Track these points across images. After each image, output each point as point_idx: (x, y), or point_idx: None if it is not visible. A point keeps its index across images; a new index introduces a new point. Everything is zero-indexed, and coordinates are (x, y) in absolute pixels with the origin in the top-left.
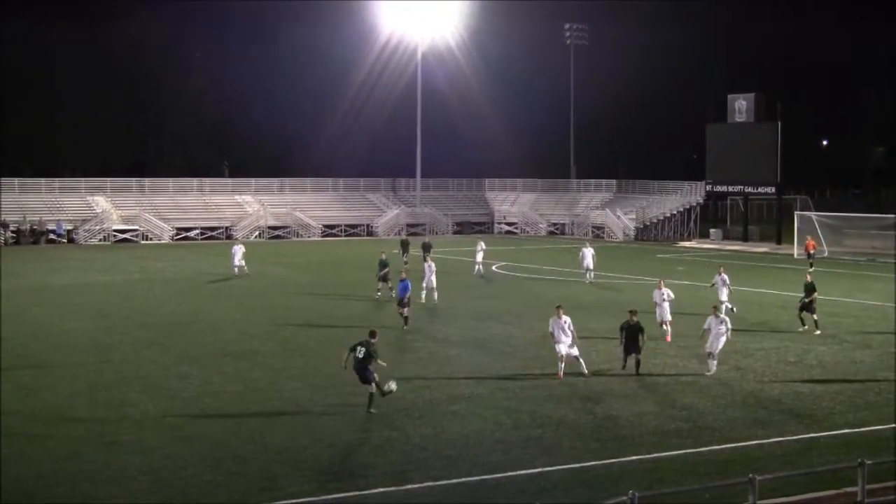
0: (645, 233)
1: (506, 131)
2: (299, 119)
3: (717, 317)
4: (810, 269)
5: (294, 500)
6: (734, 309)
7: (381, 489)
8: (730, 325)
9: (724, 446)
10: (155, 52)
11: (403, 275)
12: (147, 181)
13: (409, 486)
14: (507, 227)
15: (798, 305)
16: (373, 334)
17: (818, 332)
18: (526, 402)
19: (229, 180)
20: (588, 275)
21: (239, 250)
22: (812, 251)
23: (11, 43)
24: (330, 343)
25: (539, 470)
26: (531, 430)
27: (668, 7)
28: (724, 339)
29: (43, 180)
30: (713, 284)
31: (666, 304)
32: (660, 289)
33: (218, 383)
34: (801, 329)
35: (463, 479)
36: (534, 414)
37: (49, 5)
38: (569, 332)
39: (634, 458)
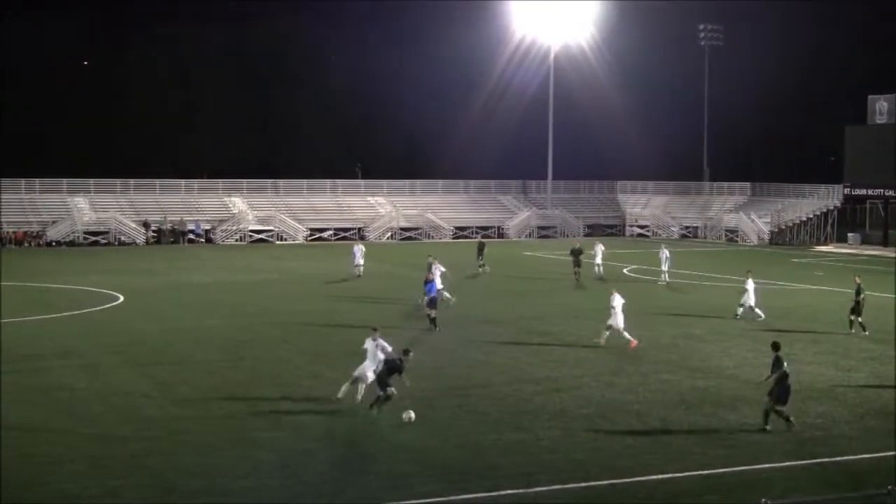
0: (780, 237)
1: (638, 133)
2: (431, 121)
3: None
4: None
5: (423, 500)
6: (738, 313)
7: (509, 491)
8: None
9: (860, 456)
10: (290, 52)
11: (429, 276)
12: (281, 182)
13: (537, 489)
14: (639, 230)
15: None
16: (406, 352)
17: (865, 332)
18: (656, 407)
19: (362, 182)
20: (663, 276)
21: (359, 250)
22: None
23: (152, 45)
24: (461, 343)
25: (668, 476)
26: (661, 436)
27: (805, 6)
28: None
29: (182, 181)
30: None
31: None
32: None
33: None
34: (851, 331)
35: (591, 483)
36: (664, 419)
37: (188, 6)
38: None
39: (766, 465)
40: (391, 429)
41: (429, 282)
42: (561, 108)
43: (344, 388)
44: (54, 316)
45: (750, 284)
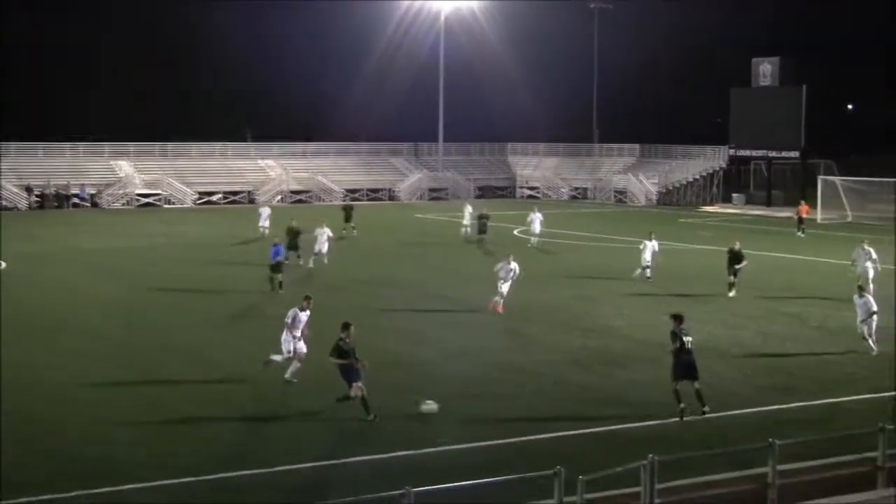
0: (667, 197)
1: (529, 95)
2: (322, 84)
3: (862, 296)
4: (801, 235)
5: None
6: (647, 273)
7: (403, 452)
8: (873, 307)
9: (745, 411)
10: (178, 14)
11: (277, 239)
12: (170, 145)
13: (438, 449)
14: (529, 192)
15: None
16: (345, 327)
17: (732, 294)
18: (549, 367)
19: (252, 145)
20: (532, 239)
21: (265, 211)
22: (804, 216)
23: (38, 6)
24: (353, 308)
25: (563, 434)
26: (554, 395)
27: None
28: (874, 321)
29: (67, 144)
30: (853, 262)
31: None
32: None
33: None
34: (730, 294)
35: (492, 442)
36: (557, 379)
37: None
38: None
39: (655, 422)
40: (282, 394)
41: (275, 245)
42: (452, 70)
43: (290, 369)
44: None
45: (653, 244)
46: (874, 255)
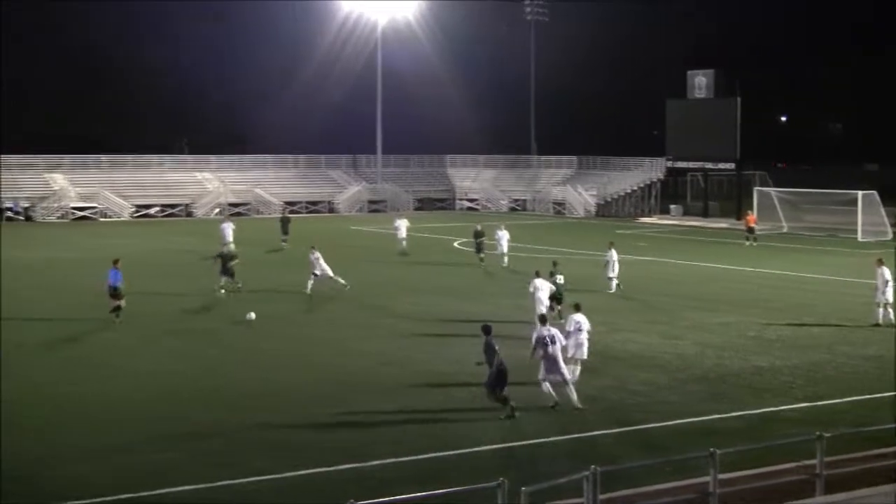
0: (606, 209)
1: (467, 108)
2: (260, 96)
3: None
4: (752, 244)
5: (261, 478)
6: (621, 286)
7: (347, 465)
8: None
9: (683, 420)
10: (108, 28)
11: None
12: (105, 158)
13: (373, 462)
14: (469, 204)
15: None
16: None
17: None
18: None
19: (189, 157)
20: (504, 259)
21: (228, 227)
22: (752, 225)
23: None
24: (288, 322)
25: (499, 446)
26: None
27: None
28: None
29: None
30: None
31: None
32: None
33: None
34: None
35: (422, 456)
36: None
37: None
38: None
39: (595, 433)
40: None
41: (114, 269)
42: (389, 82)
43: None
44: None
45: (613, 255)
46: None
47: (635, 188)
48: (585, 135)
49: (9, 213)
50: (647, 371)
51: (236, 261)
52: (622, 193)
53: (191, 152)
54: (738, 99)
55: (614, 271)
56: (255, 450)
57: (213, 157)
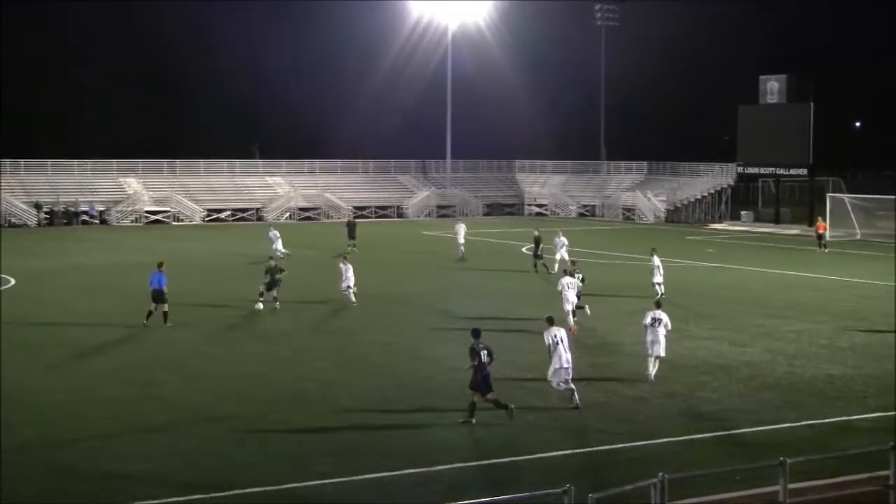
0: (676, 215)
1: (536, 112)
2: (329, 100)
3: None
4: (823, 251)
5: (323, 481)
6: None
7: (410, 470)
8: None
9: (754, 429)
10: (181, 31)
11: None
12: (178, 162)
13: (439, 468)
14: (538, 209)
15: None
16: None
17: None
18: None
19: (260, 161)
20: (556, 266)
21: (275, 234)
22: (822, 232)
23: (34, 22)
24: (364, 325)
25: (569, 451)
26: (560, 412)
27: None
28: None
29: (76, 161)
30: None
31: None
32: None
33: (243, 364)
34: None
35: (492, 461)
36: (564, 396)
37: None
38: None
39: (664, 440)
40: (290, 409)
41: (157, 272)
42: (459, 87)
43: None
44: None
45: (656, 261)
46: None
47: (705, 194)
48: (655, 140)
49: (84, 217)
50: (717, 378)
51: (284, 273)
52: (692, 199)
53: (262, 157)
54: (812, 104)
55: (660, 276)
56: (322, 452)
57: (283, 162)
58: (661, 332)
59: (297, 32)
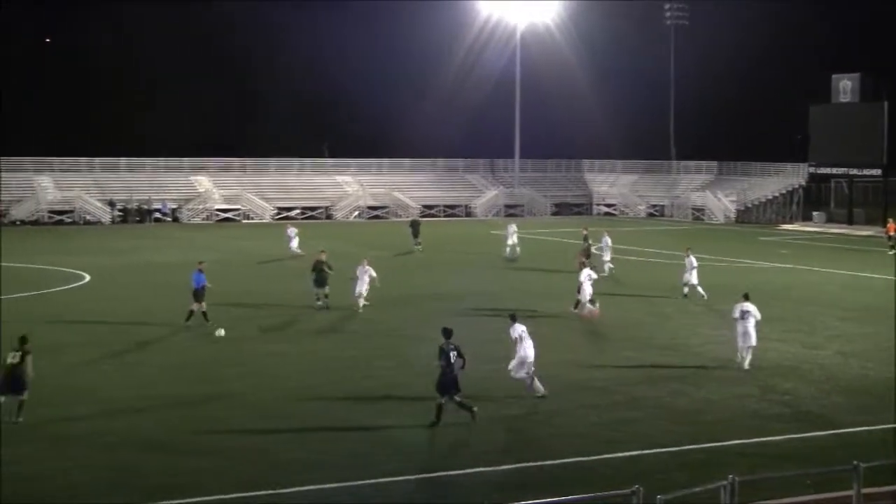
0: (746, 215)
1: (605, 112)
2: (398, 99)
3: None
4: (894, 253)
5: (392, 478)
6: (687, 294)
7: (477, 469)
8: None
9: (826, 432)
10: (252, 31)
11: (200, 266)
12: (248, 161)
13: (504, 467)
14: (606, 209)
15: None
16: None
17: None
18: (621, 384)
19: (329, 160)
20: (605, 267)
21: (292, 231)
22: (893, 234)
23: (103, 23)
24: (414, 322)
25: (635, 453)
26: (626, 413)
27: None
28: None
29: (148, 160)
30: None
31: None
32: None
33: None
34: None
35: (556, 461)
36: (629, 396)
37: None
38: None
39: (734, 442)
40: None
41: (197, 271)
42: (528, 86)
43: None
44: (21, 295)
45: (692, 262)
46: None
47: (777, 194)
48: (725, 139)
49: (157, 215)
50: (789, 380)
51: (330, 271)
52: (763, 200)
53: (331, 156)
54: (886, 103)
55: (693, 278)
56: (390, 450)
57: (352, 161)
58: (752, 322)
59: (366, 33)
